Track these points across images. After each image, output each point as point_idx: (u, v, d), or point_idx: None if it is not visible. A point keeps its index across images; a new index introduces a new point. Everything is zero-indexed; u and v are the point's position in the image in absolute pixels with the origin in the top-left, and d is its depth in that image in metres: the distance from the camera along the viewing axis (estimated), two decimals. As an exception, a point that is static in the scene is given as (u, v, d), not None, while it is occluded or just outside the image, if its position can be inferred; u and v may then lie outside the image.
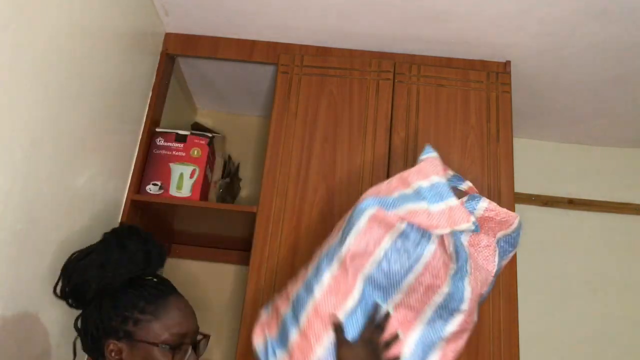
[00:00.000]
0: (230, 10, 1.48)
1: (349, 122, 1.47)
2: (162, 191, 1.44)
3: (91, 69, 1.15)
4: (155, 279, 1.08)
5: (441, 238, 1.01)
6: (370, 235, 0.99)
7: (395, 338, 0.99)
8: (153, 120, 1.51)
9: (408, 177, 1.05)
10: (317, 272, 1.01)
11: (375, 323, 1.00)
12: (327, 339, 0.96)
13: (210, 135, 1.52)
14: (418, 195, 1.01)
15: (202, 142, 1.50)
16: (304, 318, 0.98)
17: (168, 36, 1.59)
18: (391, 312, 1.00)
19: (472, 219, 1.00)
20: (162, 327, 0.99)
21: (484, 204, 1.04)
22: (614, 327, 1.80)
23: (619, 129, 1.88)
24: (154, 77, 1.53)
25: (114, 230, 1.14)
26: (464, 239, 1.03)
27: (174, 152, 1.48)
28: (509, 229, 1.07)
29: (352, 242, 0.99)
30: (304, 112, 1.48)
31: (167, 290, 1.05)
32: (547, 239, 1.88)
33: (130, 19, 1.34)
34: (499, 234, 1.07)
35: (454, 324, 0.98)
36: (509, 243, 1.09)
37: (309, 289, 1.00)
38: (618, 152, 1.99)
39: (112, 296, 1.02)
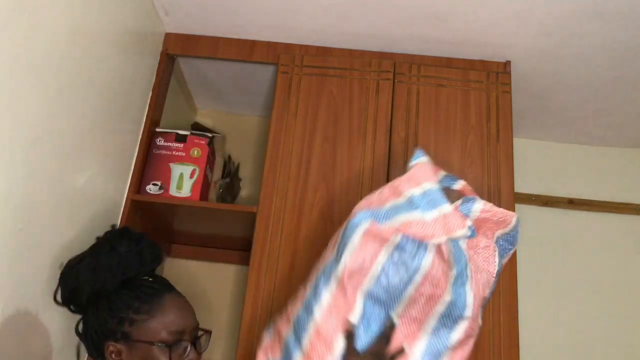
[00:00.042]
0: (230, 10, 1.48)
1: (349, 122, 1.47)
2: (162, 191, 1.44)
3: (91, 69, 1.15)
4: (151, 279, 1.09)
5: (438, 246, 0.99)
6: (366, 250, 0.98)
7: (401, 351, 0.97)
8: (153, 120, 1.51)
9: (399, 186, 1.04)
10: (316, 292, 0.99)
11: (383, 336, 0.99)
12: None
13: (210, 135, 1.52)
14: (411, 204, 1.00)
15: (202, 142, 1.50)
16: (306, 341, 0.96)
17: (168, 36, 1.59)
18: (394, 325, 0.98)
19: (468, 222, 1.00)
20: (158, 325, 1.00)
21: (479, 206, 1.03)
22: (614, 327, 1.80)
23: (619, 129, 1.88)
24: (154, 77, 1.53)
25: (106, 234, 1.15)
26: (462, 243, 1.02)
27: (174, 152, 1.48)
28: (507, 228, 1.06)
29: (348, 259, 0.97)
30: (304, 112, 1.48)
31: (162, 288, 1.06)
32: (547, 239, 1.88)
33: (130, 19, 1.34)
34: (498, 233, 1.06)
35: (459, 331, 0.97)
36: (508, 241, 1.08)
37: (308, 310, 0.99)
38: (618, 152, 1.99)
39: (108, 299, 1.03)
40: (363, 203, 1.05)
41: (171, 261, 1.81)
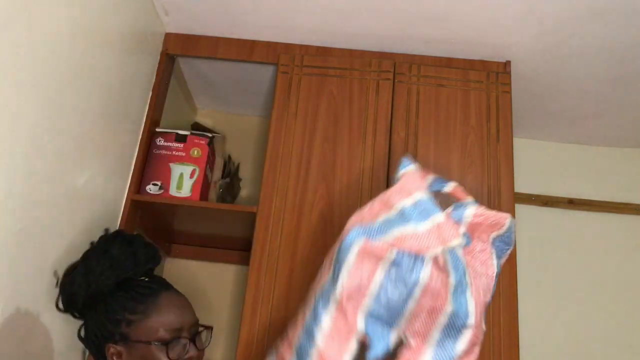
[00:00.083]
0: (230, 10, 1.48)
1: (349, 122, 1.47)
2: (162, 191, 1.44)
3: (91, 69, 1.15)
4: (147, 279, 1.09)
5: (435, 257, 0.98)
6: (362, 270, 0.97)
7: None
8: (153, 120, 1.51)
9: (390, 198, 1.02)
10: (315, 316, 0.98)
11: (388, 354, 0.98)
12: None
13: (210, 135, 1.52)
14: (403, 217, 0.99)
15: (202, 142, 1.50)
16: None
17: (168, 36, 1.59)
18: (402, 341, 0.97)
19: (462, 230, 0.99)
20: (154, 324, 1.00)
21: (471, 211, 1.02)
22: (614, 327, 1.80)
23: (619, 129, 1.88)
24: (154, 77, 1.53)
25: (99, 238, 1.16)
26: (458, 250, 1.01)
27: (174, 152, 1.48)
28: (501, 230, 1.05)
29: (345, 280, 0.96)
30: (304, 112, 1.48)
31: (158, 287, 1.06)
32: (547, 239, 1.88)
33: (130, 19, 1.34)
34: (493, 235, 1.05)
35: (464, 340, 0.95)
36: (504, 242, 1.07)
37: (310, 335, 0.97)
38: (618, 152, 1.99)
39: (104, 302, 1.04)
40: (354, 218, 1.03)
41: (171, 261, 1.81)
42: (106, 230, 1.16)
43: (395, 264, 0.97)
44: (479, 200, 1.38)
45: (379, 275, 0.96)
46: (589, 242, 1.89)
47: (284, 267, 1.33)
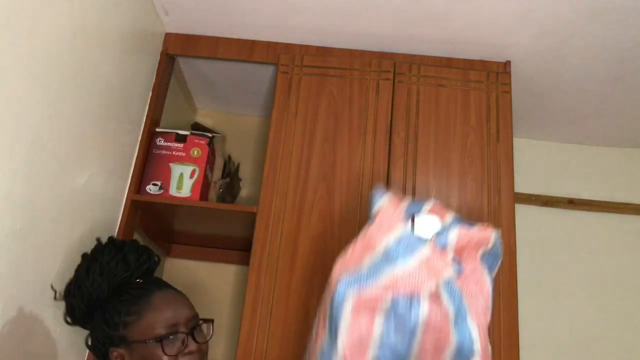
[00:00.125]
0: (230, 10, 1.48)
1: (349, 122, 1.47)
2: (162, 191, 1.44)
3: (91, 69, 1.15)
4: (141, 280, 1.10)
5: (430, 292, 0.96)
6: (360, 323, 0.94)
7: None
8: (153, 120, 1.51)
9: (371, 238, 0.99)
10: None
11: None
12: None
13: (210, 135, 1.52)
14: (388, 257, 0.96)
15: (202, 142, 1.50)
16: None
17: (168, 36, 1.59)
18: None
19: (450, 256, 0.97)
20: (149, 323, 1.02)
21: (454, 233, 1.01)
22: (614, 327, 1.80)
23: (619, 129, 1.88)
24: (154, 77, 1.53)
25: (93, 248, 1.17)
26: (451, 280, 1.00)
27: (174, 152, 1.48)
28: (488, 245, 1.04)
29: (345, 338, 0.93)
30: (304, 112, 1.48)
31: (151, 287, 1.08)
32: (547, 239, 1.88)
33: (130, 19, 1.34)
34: (480, 252, 1.04)
35: None
36: (493, 256, 1.06)
37: None
38: (618, 152, 1.99)
39: (101, 308, 1.06)
40: (339, 267, 0.99)
41: (171, 261, 1.81)
42: (98, 239, 1.17)
43: (392, 309, 0.94)
44: (479, 201, 1.39)
45: (378, 325, 0.94)
46: (589, 242, 1.89)
47: (284, 267, 1.33)
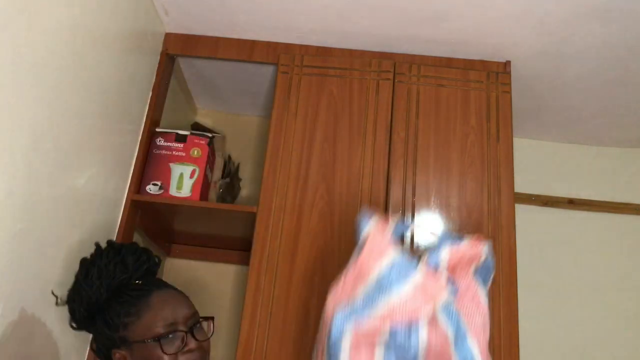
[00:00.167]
0: (230, 10, 1.48)
1: (349, 122, 1.47)
2: (162, 191, 1.44)
3: (91, 69, 1.15)
4: (140, 281, 1.11)
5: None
6: (360, 356, 0.92)
7: None
8: (153, 120, 1.51)
9: (362, 267, 0.97)
10: None
11: None
12: None
13: (210, 135, 1.52)
14: (381, 286, 0.94)
15: (202, 142, 1.50)
16: None
17: (168, 36, 1.59)
18: None
19: (444, 276, 0.96)
20: (147, 323, 1.02)
21: (445, 251, 0.99)
22: (614, 327, 1.80)
23: (619, 129, 1.88)
24: (154, 77, 1.53)
25: (93, 252, 1.18)
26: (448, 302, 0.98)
27: (174, 152, 1.48)
28: (480, 260, 1.03)
29: None
30: (304, 112, 1.48)
31: (149, 288, 1.09)
32: (547, 239, 1.88)
33: (130, 19, 1.34)
34: (473, 267, 1.03)
35: None
36: (486, 268, 1.05)
37: None
38: (618, 152, 1.99)
39: (102, 310, 1.07)
40: (332, 301, 0.97)
41: (171, 261, 1.81)
42: (97, 244, 1.17)
43: (391, 338, 0.92)
44: (479, 201, 1.39)
45: (379, 357, 0.93)
46: (589, 242, 1.89)
47: (284, 267, 1.33)
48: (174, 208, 1.47)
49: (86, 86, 1.14)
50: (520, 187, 1.69)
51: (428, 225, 1.37)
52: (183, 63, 1.70)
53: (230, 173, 1.76)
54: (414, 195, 1.40)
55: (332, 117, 1.47)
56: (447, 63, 1.56)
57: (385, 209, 1.38)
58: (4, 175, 0.89)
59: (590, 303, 1.82)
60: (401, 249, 0.99)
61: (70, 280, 1.13)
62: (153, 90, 1.52)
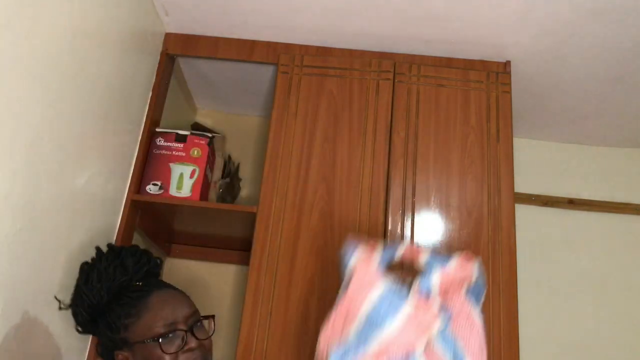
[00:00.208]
0: (230, 10, 1.48)
1: (349, 122, 1.47)
2: (162, 191, 1.44)
3: (91, 69, 1.15)
4: (141, 283, 1.12)
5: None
6: None
7: None
8: (153, 120, 1.51)
9: (351, 302, 0.95)
10: None
11: None
12: None
13: (210, 135, 1.52)
14: (373, 321, 0.92)
15: (202, 142, 1.50)
16: None
17: (168, 36, 1.59)
18: None
19: (436, 303, 0.94)
20: (147, 323, 1.03)
21: (436, 276, 0.97)
22: (614, 327, 1.80)
23: (619, 129, 1.88)
24: (154, 77, 1.53)
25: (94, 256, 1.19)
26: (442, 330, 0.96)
27: (174, 152, 1.48)
28: (472, 279, 1.01)
29: None
30: (304, 112, 1.48)
31: (149, 289, 1.09)
32: (547, 239, 1.88)
33: (130, 19, 1.34)
34: (465, 287, 1.01)
35: None
36: (478, 288, 1.03)
37: None
38: (618, 152, 1.99)
39: (103, 313, 1.08)
40: (324, 341, 0.94)
41: (171, 261, 1.81)
42: (97, 248, 1.18)
43: None
44: (479, 201, 1.39)
45: None
46: (589, 242, 1.89)
47: (284, 267, 1.33)
48: (174, 208, 1.47)
49: (86, 86, 1.14)
50: (520, 187, 1.70)
51: (428, 225, 1.38)
52: (183, 63, 1.70)
53: (230, 173, 1.76)
54: (414, 195, 1.40)
55: (332, 117, 1.47)
56: (447, 63, 1.56)
57: (385, 209, 1.38)
58: (4, 175, 0.89)
59: (590, 303, 1.82)
60: (390, 278, 0.96)
61: (70, 281, 1.13)
62: (153, 90, 1.52)
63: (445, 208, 1.39)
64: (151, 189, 1.44)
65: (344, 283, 0.97)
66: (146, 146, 1.48)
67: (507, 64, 1.55)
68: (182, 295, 1.10)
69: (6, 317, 0.93)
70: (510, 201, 1.39)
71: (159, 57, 1.55)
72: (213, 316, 1.10)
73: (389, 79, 1.51)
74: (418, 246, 1.04)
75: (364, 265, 0.97)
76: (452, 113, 1.48)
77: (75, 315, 1.12)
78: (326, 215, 1.37)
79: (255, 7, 1.45)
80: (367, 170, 1.42)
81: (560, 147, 2.00)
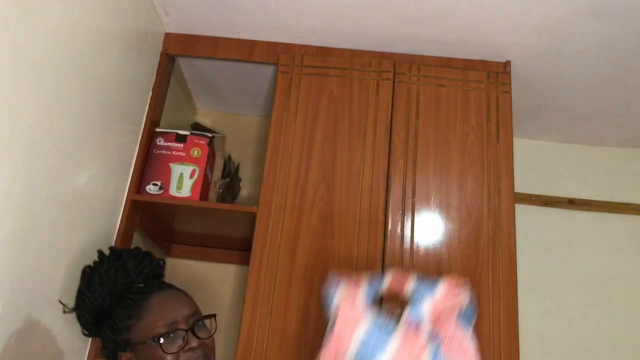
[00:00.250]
0: (230, 10, 1.48)
1: (349, 122, 1.47)
2: (162, 191, 1.44)
3: (91, 69, 1.15)
4: (142, 284, 1.12)
5: None
6: None
7: None
8: (153, 120, 1.51)
9: (339, 341, 0.93)
10: None
11: None
12: None
13: (210, 135, 1.52)
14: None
15: (202, 142, 1.50)
16: None
17: (168, 36, 1.59)
18: None
19: (426, 331, 0.93)
20: (148, 324, 1.03)
21: (426, 305, 0.96)
22: (613, 327, 1.80)
23: (619, 129, 1.88)
24: (154, 77, 1.53)
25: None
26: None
27: (174, 152, 1.48)
28: (462, 305, 1.00)
29: None
30: (304, 112, 1.48)
31: (150, 290, 1.10)
32: (547, 239, 1.88)
33: (130, 19, 1.34)
34: (456, 312, 1.00)
35: None
36: (469, 312, 1.02)
37: None
38: (618, 152, 1.99)
39: (106, 316, 1.09)
40: None
41: (171, 261, 1.81)
42: (99, 251, 1.18)
43: None
44: (479, 201, 1.39)
45: None
46: (589, 242, 1.89)
47: (284, 267, 1.33)
48: (174, 208, 1.47)
49: (86, 86, 1.14)
50: (520, 187, 1.70)
51: (428, 225, 1.38)
52: (183, 63, 1.70)
53: (230, 173, 1.76)
54: (414, 195, 1.40)
55: (332, 117, 1.47)
56: (447, 63, 1.56)
57: (385, 209, 1.38)
58: (4, 175, 0.89)
59: (590, 303, 1.82)
60: (378, 311, 0.95)
61: (70, 281, 1.13)
62: (153, 90, 1.52)
63: (445, 208, 1.39)
64: (151, 189, 1.45)
65: (329, 323, 0.95)
66: (146, 146, 1.48)
67: (507, 64, 1.55)
68: (183, 296, 1.11)
69: (6, 317, 0.93)
70: (510, 201, 1.39)
71: (158, 57, 1.55)
72: (214, 315, 1.11)
73: (389, 79, 1.51)
74: (403, 274, 1.02)
75: (347, 303, 0.96)
76: (452, 113, 1.48)
77: (79, 318, 1.13)
78: (326, 215, 1.37)
79: (255, 7, 1.45)
80: (367, 170, 1.42)
81: (560, 147, 2.00)
